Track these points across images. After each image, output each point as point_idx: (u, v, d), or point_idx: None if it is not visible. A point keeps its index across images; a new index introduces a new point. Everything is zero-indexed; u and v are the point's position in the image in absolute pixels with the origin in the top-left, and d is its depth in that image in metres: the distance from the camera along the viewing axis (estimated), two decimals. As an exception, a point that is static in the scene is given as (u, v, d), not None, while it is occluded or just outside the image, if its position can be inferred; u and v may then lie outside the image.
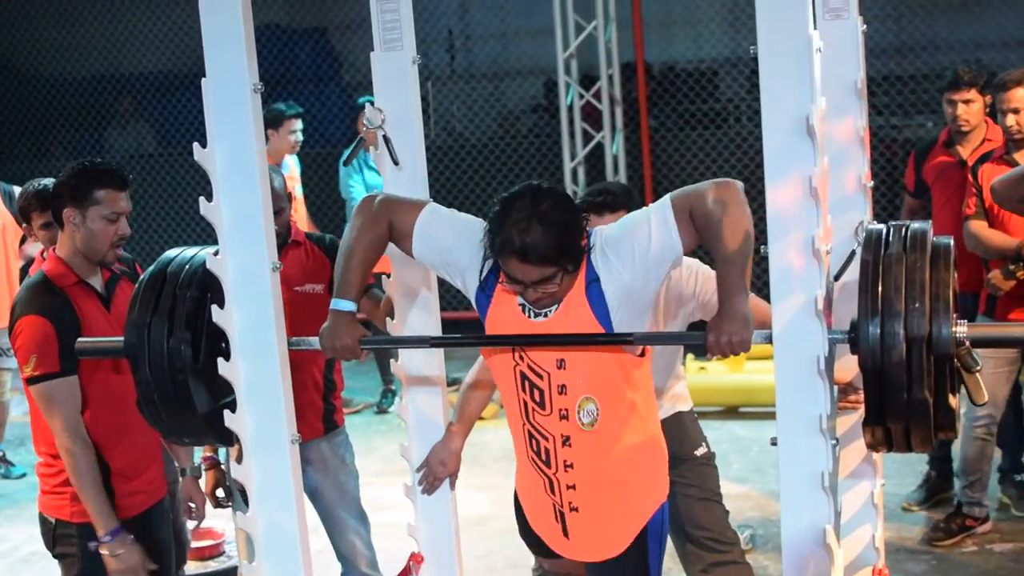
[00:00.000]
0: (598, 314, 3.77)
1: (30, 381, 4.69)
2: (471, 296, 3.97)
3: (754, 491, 7.85)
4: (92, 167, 4.78)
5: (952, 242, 3.65)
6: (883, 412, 3.54)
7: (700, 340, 3.69)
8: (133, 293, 4.15)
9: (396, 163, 4.44)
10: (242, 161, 3.88)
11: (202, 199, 3.92)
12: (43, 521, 4.92)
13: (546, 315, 3.83)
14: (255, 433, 4.03)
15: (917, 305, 3.44)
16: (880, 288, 3.50)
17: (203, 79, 3.86)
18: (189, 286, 4.07)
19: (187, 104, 13.15)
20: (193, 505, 5.27)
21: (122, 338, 4.13)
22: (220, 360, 3.97)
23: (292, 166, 9.80)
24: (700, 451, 5.06)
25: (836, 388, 3.88)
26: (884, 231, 3.65)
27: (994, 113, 6.92)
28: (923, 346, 3.43)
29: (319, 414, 5.37)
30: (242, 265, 3.94)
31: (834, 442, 3.68)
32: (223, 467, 5.37)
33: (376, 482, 8.46)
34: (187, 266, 4.13)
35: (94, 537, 4.70)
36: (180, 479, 5.28)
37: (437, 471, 4.59)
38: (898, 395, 3.47)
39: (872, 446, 3.72)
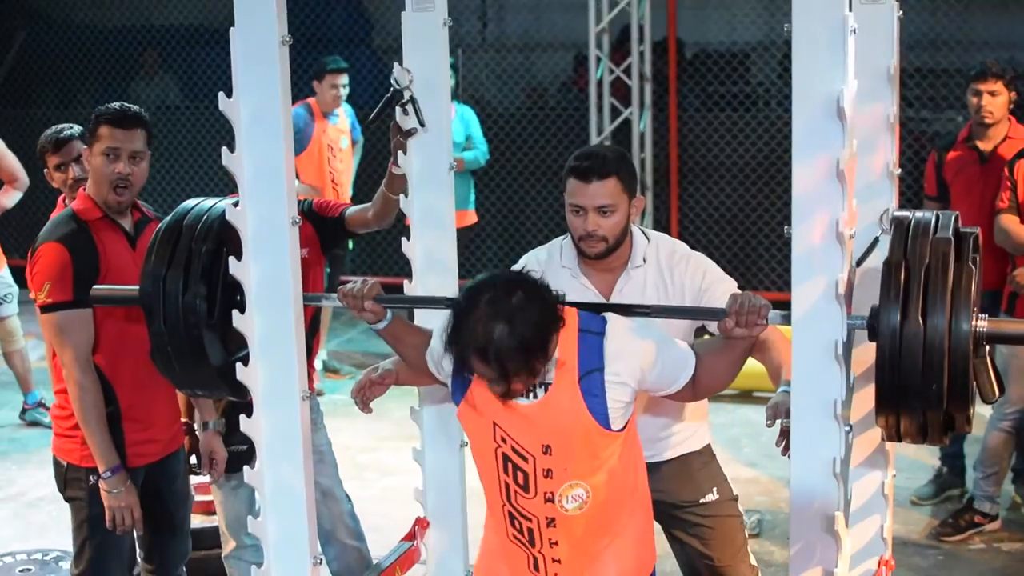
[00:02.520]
0: (591, 404, 3.59)
1: (43, 309, 4.72)
2: (449, 381, 3.82)
3: (763, 476, 7.84)
4: (104, 107, 4.82)
5: (979, 233, 3.62)
6: (897, 402, 3.51)
7: (721, 313, 3.64)
8: (149, 243, 4.15)
9: (422, 124, 4.42)
10: (267, 113, 3.87)
11: (224, 149, 3.90)
12: (56, 464, 4.96)
13: (534, 397, 3.63)
14: (267, 387, 4.03)
15: (939, 297, 3.41)
16: (904, 277, 3.46)
17: (232, 29, 3.84)
18: (205, 239, 4.06)
19: (213, 58, 13.14)
20: (214, 460, 5.25)
21: (137, 287, 4.12)
22: (235, 313, 3.96)
23: (342, 116, 9.97)
24: (708, 498, 4.68)
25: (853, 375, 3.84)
26: (912, 218, 3.62)
27: (1023, 114, 6.88)
28: (942, 339, 3.39)
29: None
30: (262, 217, 3.93)
31: (847, 428, 3.65)
32: (197, 434, 5.32)
33: (384, 446, 8.50)
34: (204, 217, 4.12)
35: None
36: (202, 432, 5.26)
37: (367, 395, 4.27)
38: (913, 386, 3.44)
39: (887, 436, 3.69)
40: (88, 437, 4.72)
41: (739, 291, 3.75)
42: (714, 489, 4.70)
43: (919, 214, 3.65)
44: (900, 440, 3.70)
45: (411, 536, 4.70)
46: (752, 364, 3.83)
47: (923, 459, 7.91)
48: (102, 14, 14.16)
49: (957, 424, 3.58)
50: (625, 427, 3.69)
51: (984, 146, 7.13)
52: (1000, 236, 6.55)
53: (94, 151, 4.79)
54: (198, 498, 6.24)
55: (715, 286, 4.39)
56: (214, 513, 5.76)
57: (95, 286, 4.45)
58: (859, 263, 3.97)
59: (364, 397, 4.21)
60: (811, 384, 3.62)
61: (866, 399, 4.34)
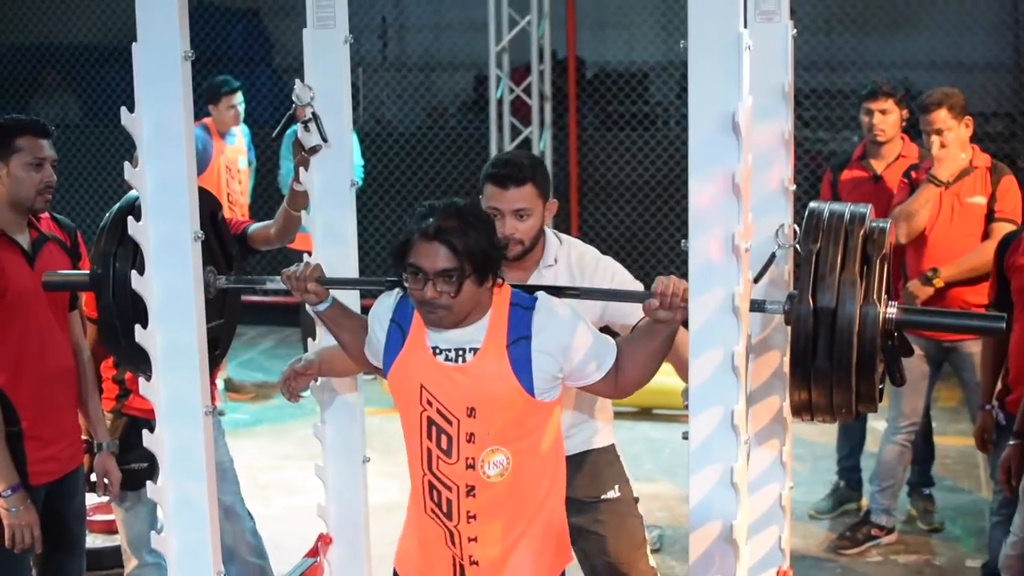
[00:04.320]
0: (518, 371, 3.70)
1: None
2: (380, 355, 3.92)
3: (664, 492, 7.89)
4: (8, 119, 4.81)
5: (889, 224, 3.77)
6: (809, 380, 3.65)
7: (646, 295, 3.73)
8: (101, 226, 4.20)
9: (325, 140, 4.45)
10: (169, 128, 3.86)
11: (127, 164, 3.90)
12: None
13: (463, 360, 3.74)
14: (169, 402, 4.02)
15: (851, 282, 3.57)
16: (817, 263, 3.61)
17: (134, 44, 3.84)
18: None
19: (113, 76, 13.07)
20: (107, 481, 5.22)
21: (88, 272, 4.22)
22: (137, 327, 3.96)
23: (239, 136, 9.91)
24: (609, 495, 4.76)
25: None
26: (826, 209, 3.75)
27: (917, 132, 7.00)
28: (852, 323, 3.56)
29: None
30: (165, 232, 3.92)
31: (745, 439, 3.71)
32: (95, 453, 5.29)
33: (288, 465, 8.48)
34: None
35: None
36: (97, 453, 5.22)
37: (293, 386, 4.38)
38: (824, 365, 3.60)
39: (796, 410, 3.81)
40: None
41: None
42: (616, 487, 4.77)
43: (833, 205, 3.78)
44: (812, 417, 3.82)
45: (314, 552, 4.69)
46: (653, 381, 3.89)
47: (821, 474, 8.02)
48: (1, 33, 14.03)
49: (863, 404, 3.72)
50: (550, 404, 3.80)
51: (878, 165, 7.25)
52: (900, 228, 6.62)
53: (13, 163, 4.74)
54: (99, 517, 6.20)
55: (624, 288, 4.51)
56: (115, 532, 5.73)
57: (46, 272, 4.56)
58: (757, 279, 4.03)
59: (291, 388, 4.33)
60: (708, 394, 3.67)
61: (763, 412, 4.42)
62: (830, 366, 3.59)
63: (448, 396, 3.73)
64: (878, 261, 3.64)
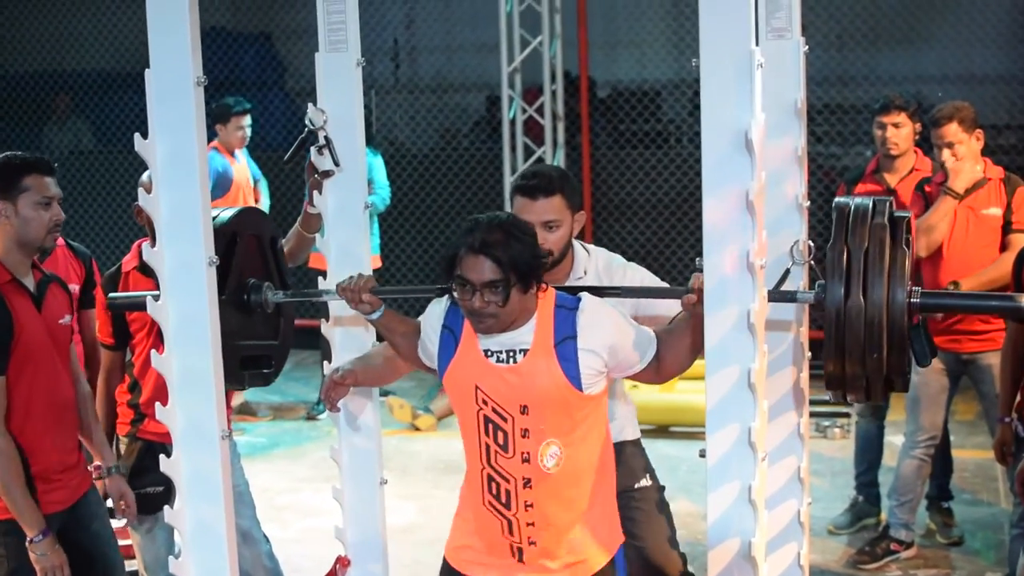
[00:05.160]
0: (566, 368, 3.87)
1: None
2: (434, 359, 4.10)
3: (681, 510, 7.84)
4: (13, 158, 4.79)
5: (911, 215, 3.85)
6: (843, 362, 3.72)
7: (685, 290, 3.86)
8: None
9: (337, 164, 4.47)
10: (183, 153, 3.87)
11: (141, 190, 3.93)
12: None
13: (513, 361, 3.92)
14: (186, 427, 4.02)
15: (878, 270, 3.65)
16: (847, 253, 3.68)
17: (147, 70, 3.85)
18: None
19: (127, 103, 13.10)
20: (123, 503, 5.22)
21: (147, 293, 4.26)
22: (153, 352, 3.98)
23: (241, 157, 9.89)
24: (642, 483, 4.87)
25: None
26: (851, 205, 3.79)
27: (929, 146, 7.00)
28: (881, 310, 3.64)
29: None
30: (179, 258, 3.93)
31: (762, 456, 3.71)
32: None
33: (305, 488, 8.48)
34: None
35: (20, 533, 4.68)
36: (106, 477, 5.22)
37: (333, 397, 4.53)
38: (856, 348, 3.67)
39: (836, 397, 3.87)
40: (11, 503, 4.66)
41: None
42: (647, 475, 4.89)
43: (858, 201, 3.82)
44: (847, 401, 3.93)
45: (332, 575, 4.70)
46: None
47: (839, 489, 8.00)
48: (13, 59, 14.08)
49: (896, 385, 3.82)
50: (597, 396, 3.98)
51: (891, 178, 7.25)
52: (920, 242, 6.61)
53: (21, 203, 4.72)
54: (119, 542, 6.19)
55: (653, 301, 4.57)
56: (132, 557, 5.73)
57: (111, 295, 4.74)
58: (771, 296, 4.04)
59: (331, 399, 4.50)
60: (725, 412, 3.69)
61: (780, 428, 4.42)
62: (862, 354, 3.68)
63: (501, 395, 3.93)
64: (901, 248, 3.71)
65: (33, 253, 4.83)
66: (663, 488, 4.97)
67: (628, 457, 4.83)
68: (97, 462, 5.20)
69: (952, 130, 6.65)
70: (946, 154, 6.67)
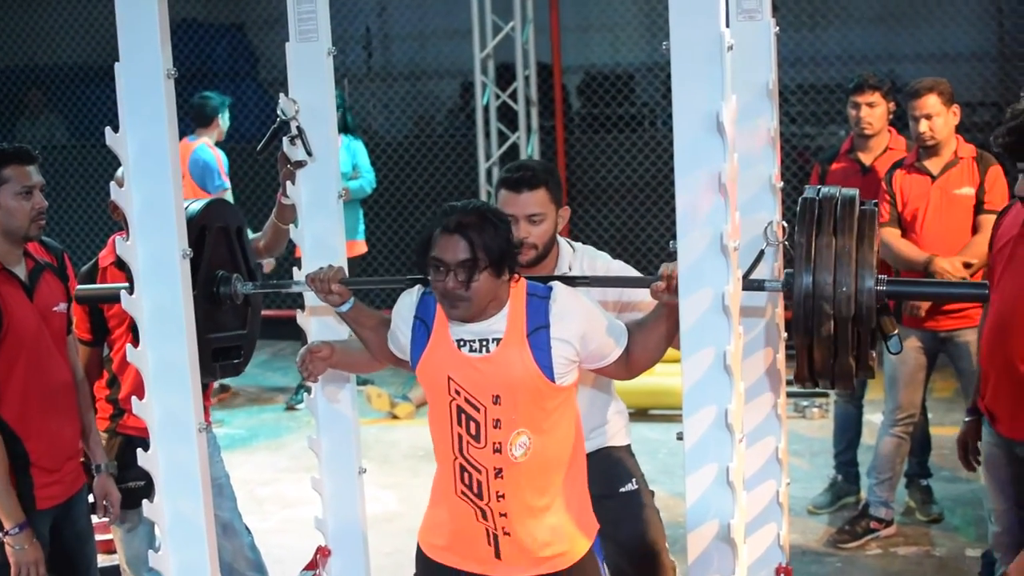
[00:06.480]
0: (539, 357, 3.86)
1: None
2: (406, 351, 4.07)
3: (661, 492, 7.84)
4: None
5: (878, 206, 3.90)
6: (811, 353, 3.76)
7: (653, 279, 3.84)
8: None
9: (309, 154, 4.46)
10: (154, 146, 3.87)
11: (113, 184, 3.91)
12: None
13: (486, 350, 3.91)
14: (163, 421, 4.02)
15: (845, 259, 3.67)
16: (813, 243, 3.70)
17: (117, 63, 3.84)
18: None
19: (101, 97, 13.07)
20: (107, 503, 5.21)
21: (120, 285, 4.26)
22: (128, 346, 3.97)
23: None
24: (628, 487, 4.81)
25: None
26: (818, 194, 3.82)
27: (903, 125, 7.02)
28: (850, 295, 3.66)
29: None
30: (152, 251, 3.93)
31: (740, 437, 3.72)
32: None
33: (285, 478, 8.48)
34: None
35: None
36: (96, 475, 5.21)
37: (312, 368, 4.48)
38: (824, 336, 3.70)
39: (801, 380, 3.91)
40: None
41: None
42: (633, 480, 4.83)
43: (825, 189, 3.85)
44: (815, 383, 3.93)
45: (313, 565, 4.69)
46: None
47: (818, 469, 8.03)
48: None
49: (860, 370, 3.85)
50: (569, 387, 3.97)
51: (866, 157, 7.27)
52: (882, 251, 6.64)
53: (2, 194, 4.72)
54: (98, 537, 6.17)
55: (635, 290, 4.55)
56: (114, 552, 5.72)
57: (79, 287, 4.73)
58: (746, 276, 4.05)
59: (308, 368, 4.45)
60: (702, 395, 3.70)
61: (758, 409, 4.43)
62: (832, 334, 3.70)
63: (474, 385, 3.91)
64: (867, 238, 3.73)
65: (20, 242, 4.82)
66: (652, 493, 4.91)
67: (614, 461, 4.82)
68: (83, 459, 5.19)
69: (931, 102, 6.66)
70: (924, 125, 6.67)
